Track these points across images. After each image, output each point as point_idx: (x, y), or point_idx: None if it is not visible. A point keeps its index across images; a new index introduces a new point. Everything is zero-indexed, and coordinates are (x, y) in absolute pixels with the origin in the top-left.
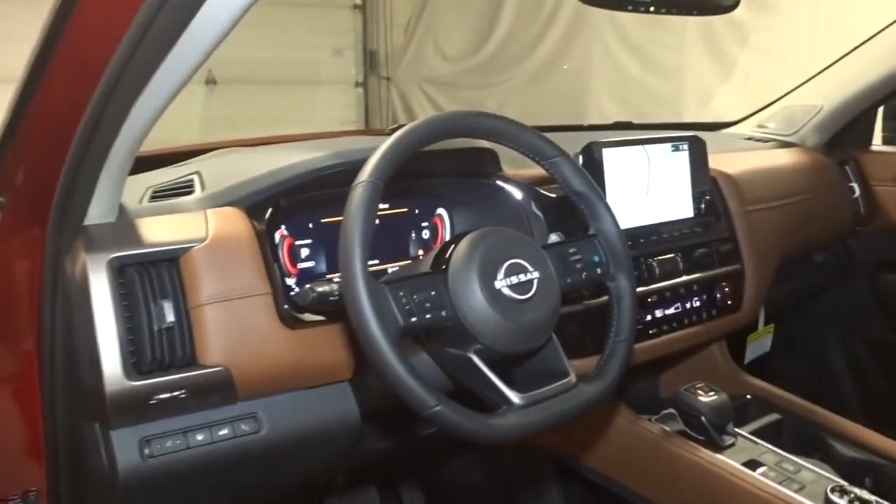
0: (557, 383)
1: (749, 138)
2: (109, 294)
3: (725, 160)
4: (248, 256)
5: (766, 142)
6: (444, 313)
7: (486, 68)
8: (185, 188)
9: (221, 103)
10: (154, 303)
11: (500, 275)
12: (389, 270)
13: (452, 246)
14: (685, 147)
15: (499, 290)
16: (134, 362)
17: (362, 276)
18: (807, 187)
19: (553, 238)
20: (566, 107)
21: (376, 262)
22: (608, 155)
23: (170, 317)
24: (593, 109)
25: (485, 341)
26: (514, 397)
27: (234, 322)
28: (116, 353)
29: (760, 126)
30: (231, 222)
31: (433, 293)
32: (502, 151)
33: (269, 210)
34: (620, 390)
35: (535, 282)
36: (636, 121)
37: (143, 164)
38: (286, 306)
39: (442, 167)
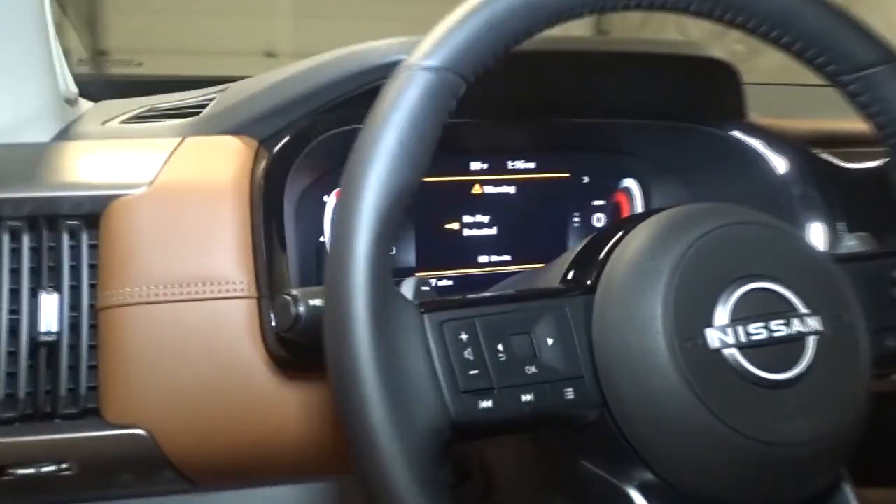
0: None
1: None
2: None
3: None
4: (222, 223)
5: None
6: (570, 393)
7: None
8: (192, 109)
9: None
10: (31, 295)
11: (727, 314)
12: None
13: (617, 239)
14: None
15: (719, 352)
16: None
17: (366, 278)
18: None
19: (850, 244)
20: None
21: (507, 258)
22: None
23: (52, 322)
24: None
25: (673, 473)
26: None
27: (176, 344)
28: None
29: None
30: (211, 158)
31: (556, 343)
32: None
33: (286, 140)
34: None
35: (812, 339)
36: None
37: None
38: (284, 327)
39: (634, 101)
